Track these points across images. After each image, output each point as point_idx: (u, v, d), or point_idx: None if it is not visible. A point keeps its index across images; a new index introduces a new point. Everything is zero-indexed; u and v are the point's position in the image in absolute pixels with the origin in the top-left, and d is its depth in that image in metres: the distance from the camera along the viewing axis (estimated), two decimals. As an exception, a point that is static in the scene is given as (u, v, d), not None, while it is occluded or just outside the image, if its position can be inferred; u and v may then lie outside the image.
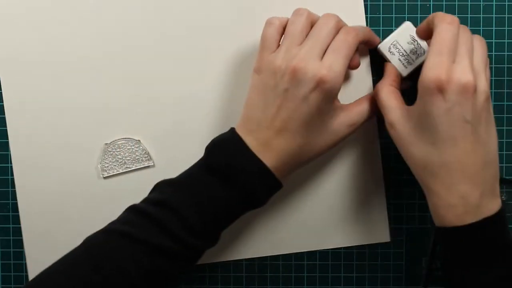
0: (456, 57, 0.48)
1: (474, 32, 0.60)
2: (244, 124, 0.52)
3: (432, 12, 0.58)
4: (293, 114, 0.49)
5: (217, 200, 0.50)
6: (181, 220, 0.49)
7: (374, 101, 0.54)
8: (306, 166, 0.54)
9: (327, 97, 0.49)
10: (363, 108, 0.54)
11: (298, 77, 0.49)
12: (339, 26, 0.52)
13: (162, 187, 0.52)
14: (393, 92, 0.53)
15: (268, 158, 0.50)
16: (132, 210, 0.51)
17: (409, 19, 0.60)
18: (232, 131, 0.52)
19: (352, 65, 0.54)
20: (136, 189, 0.61)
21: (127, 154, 0.61)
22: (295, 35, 0.51)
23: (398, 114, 0.51)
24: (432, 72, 0.47)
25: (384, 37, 0.60)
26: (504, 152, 0.61)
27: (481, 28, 0.60)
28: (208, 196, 0.50)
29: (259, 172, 0.50)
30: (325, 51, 0.50)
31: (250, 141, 0.50)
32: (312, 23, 0.52)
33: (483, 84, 0.48)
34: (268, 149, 0.50)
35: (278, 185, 0.51)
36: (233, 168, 0.49)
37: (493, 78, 0.60)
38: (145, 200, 0.52)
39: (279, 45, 0.52)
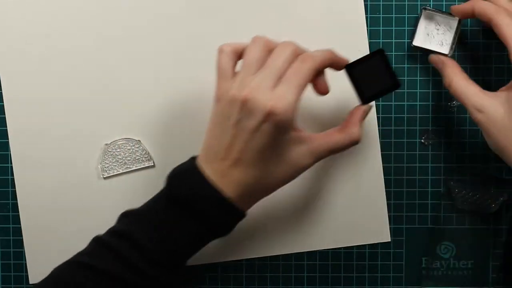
0: None
1: (474, 31, 0.60)
2: (204, 153, 0.51)
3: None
4: (247, 146, 0.48)
5: (179, 231, 0.49)
6: (142, 252, 0.48)
7: (344, 134, 0.52)
8: (308, 171, 0.54)
9: (279, 129, 0.48)
10: (330, 140, 0.52)
11: (248, 107, 0.47)
12: (296, 54, 0.50)
13: (126, 217, 0.52)
14: (468, 78, 0.53)
15: (227, 188, 0.49)
16: (97, 241, 0.51)
17: (409, 19, 0.60)
18: (192, 161, 0.51)
19: (320, 91, 0.52)
20: (136, 189, 0.61)
21: (127, 154, 0.61)
22: (251, 64, 0.50)
23: (485, 98, 0.51)
24: None
25: (384, 37, 0.60)
26: (504, 152, 0.61)
27: (481, 28, 0.60)
28: (170, 227, 0.49)
29: (218, 203, 0.49)
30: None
31: (209, 171, 0.49)
32: (270, 51, 0.51)
33: None
34: (226, 180, 0.49)
35: (240, 214, 0.50)
36: (193, 199, 0.49)
37: (493, 78, 0.60)
38: (109, 231, 0.52)
39: (234, 71, 0.51)
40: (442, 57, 0.56)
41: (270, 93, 0.47)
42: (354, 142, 0.52)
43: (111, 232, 0.51)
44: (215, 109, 0.51)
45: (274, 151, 0.49)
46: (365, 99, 0.54)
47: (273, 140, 0.48)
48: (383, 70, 0.53)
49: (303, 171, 0.52)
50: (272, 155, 0.49)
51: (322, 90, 0.52)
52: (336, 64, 0.53)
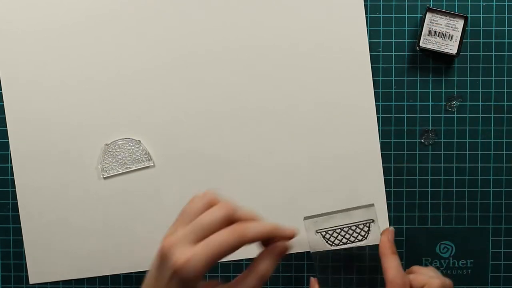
0: None
1: (474, 32, 0.60)
2: None
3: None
4: None
5: None
6: None
7: (252, 272, 0.50)
8: (305, 167, 0.54)
9: (185, 285, 0.47)
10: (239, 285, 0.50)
11: (163, 257, 0.48)
12: (230, 218, 0.49)
13: None
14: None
15: None
16: None
17: (409, 19, 0.60)
18: None
19: (277, 256, 0.50)
20: (136, 189, 0.61)
21: (127, 154, 0.61)
22: (187, 215, 0.50)
23: None
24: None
25: (384, 37, 0.60)
26: (504, 152, 0.61)
27: (481, 28, 0.60)
28: None
29: None
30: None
31: None
32: (211, 207, 0.50)
33: None
34: None
35: None
36: None
37: (493, 78, 0.60)
38: None
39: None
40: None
41: (186, 249, 0.47)
42: (265, 276, 0.50)
43: None
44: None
45: None
46: None
47: None
48: None
49: None
50: None
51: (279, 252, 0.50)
52: (277, 236, 0.50)
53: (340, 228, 0.59)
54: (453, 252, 0.62)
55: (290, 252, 0.62)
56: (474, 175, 0.61)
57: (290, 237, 0.51)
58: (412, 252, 0.62)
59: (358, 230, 0.58)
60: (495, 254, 0.61)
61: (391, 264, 0.54)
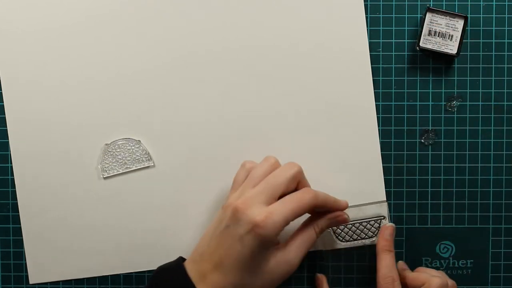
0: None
1: (474, 32, 0.60)
2: (193, 252, 0.53)
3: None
4: (228, 252, 0.50)
5: None
6: None
7: (306, 234, 0.54)
8: (306, 167, 0.54)
9: (261, 243, 0.49)
10: (298, 245, 0.53)
11: (237, 216, 0.49)
12: (297, 178, 0.52)
13: None
14: None
15: None
16: None
17: (409, 19, 0.60)
18: (179, 260, 0.53)
19: (335, 222, 0.54)
20: (136, 189, 0.61)
21: (127, 154, 0.61)
22: (253, 178, 0.52)
23: None
24: None
25: (384, 37, 0.60)
26: (504, 152, 0.61)
27: (481, 28, 0.60)
28: None
29: None
30: (277, 198, 0.51)
31: (192, 271, 0.51)
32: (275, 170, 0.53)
33: None
34: (205, 282, 0.50)
35: None
36: None
37: (493, 78, 0.60)
38: None
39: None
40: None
41: (261, 208, 0.49)
42: (319, 232, 0.54)
43: None
44: (217, 215, 0.53)
45: (253, 262, 0.50)
46: None
47: (252, 252, 0.49)
48: None
49: (282, 281, 0.53)
50: (251, 266, 0.50)
51: (339, 220, 0.55)
52: (332, 208, 0.54)
53: (351, 224, 0.59)
54: (453, 252, 0.62)
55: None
56: (474, 175, 0.61)
57: (344, 208, 0.55)
58: (412, 252, 0.62)
59: (368, 227, 0.58)
60: (495, 254, 0.61)
61: (383, 263, 0.55)
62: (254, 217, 0.49)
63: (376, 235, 0.58)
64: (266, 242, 0.49)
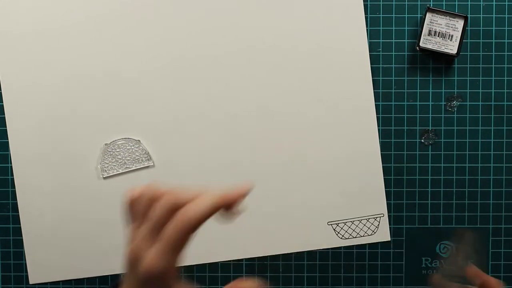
0: None
1: (474, 32, 0.60)
2: None
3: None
4: None
5: None
6: None
7: None
8: (306, 166, 0.54)
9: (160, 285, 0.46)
10: None
11: (132, 264, 0.46)
12: (177, 205, 0.45)
13: None
14: None
15: None
16: None
17: (409, 19, 0.60)
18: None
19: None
20: (136, 189, 0.61)
21: (127, 154, 0.61)
22: (136, 218, 0.48)
23: None
24: None
25: (384, 37, 0.60)
26: (504, 152, 0.61)
27: (481, 28, 0.60)
28: None
29: None
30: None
31: None
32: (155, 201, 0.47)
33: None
34: None
35: None
36: None
37: (493, 78, 0.60)
38: None
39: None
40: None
41: (149, 250, 0.45)
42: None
43: None
44: None
45: None
46: None
47: None
48: None
49: None
50: None
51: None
52: (233, 201, 0.46)
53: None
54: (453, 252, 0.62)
55: (291, 252, 0.62)
56: (474, 175, 0.61)
57: (243, 197, 0.46)
58: (412, 252, 0.62)
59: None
60: (495, 254, 0.61)
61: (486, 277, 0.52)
62: (145, 262, 0.46)
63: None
64: (165, 285, 0.48)
